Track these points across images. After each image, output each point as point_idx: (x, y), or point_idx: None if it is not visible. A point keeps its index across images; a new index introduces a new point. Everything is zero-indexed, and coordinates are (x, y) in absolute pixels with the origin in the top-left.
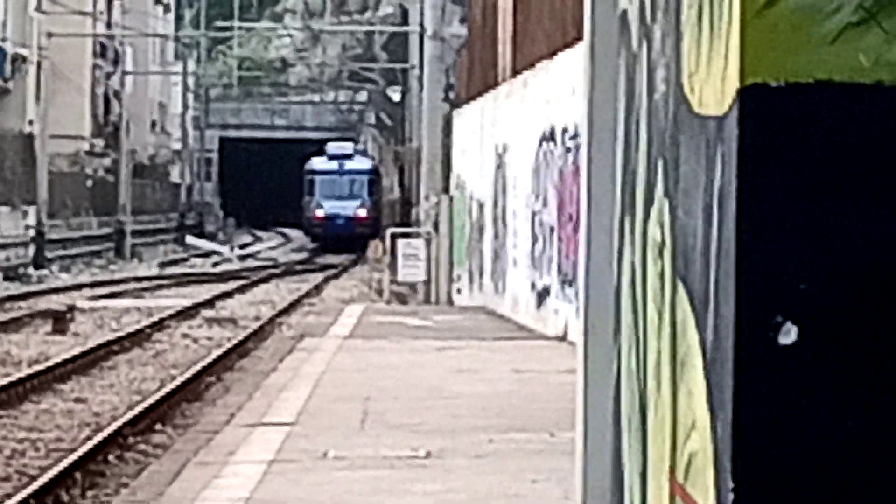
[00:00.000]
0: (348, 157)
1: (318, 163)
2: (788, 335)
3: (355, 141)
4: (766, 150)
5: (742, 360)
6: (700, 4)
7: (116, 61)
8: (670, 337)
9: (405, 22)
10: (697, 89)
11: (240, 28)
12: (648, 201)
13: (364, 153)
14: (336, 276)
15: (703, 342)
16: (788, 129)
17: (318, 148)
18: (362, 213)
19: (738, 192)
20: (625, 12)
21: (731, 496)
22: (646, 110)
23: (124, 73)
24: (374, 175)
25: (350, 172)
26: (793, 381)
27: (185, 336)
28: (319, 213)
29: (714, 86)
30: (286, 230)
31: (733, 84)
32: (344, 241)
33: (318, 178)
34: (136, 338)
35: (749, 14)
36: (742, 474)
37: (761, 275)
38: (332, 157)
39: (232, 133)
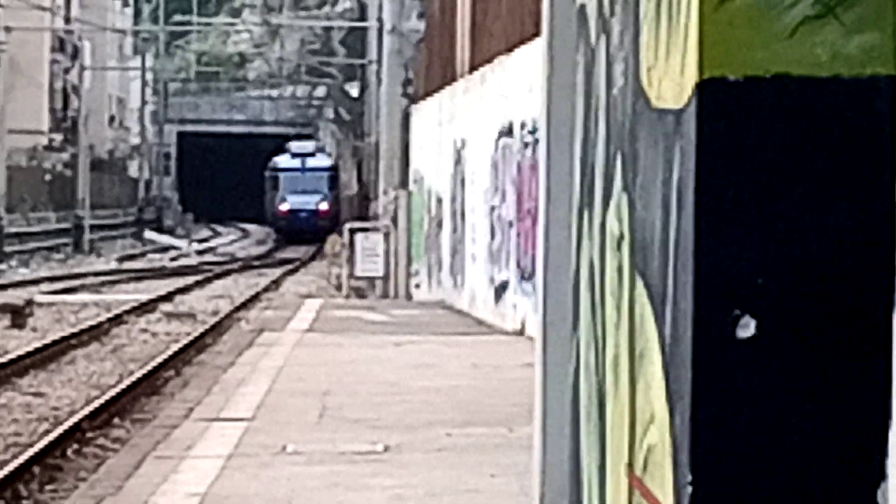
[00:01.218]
0: (310, 154)
1: (281, 160)
2: (746, 329)
3: (313, 137)
4: (724, 143)
5: (700, 353)
6: None
7: (75, 56)
8: (629, 331)
9: (363, 17)
10: (656, 83)
11: (198, 23)
12: (607, 195)
13: (323, 150)
14: (294, 271)
15: (661, 336)
16: (746, 122)
17: (278, 143)
18: (324, 206)
19: (697, 186)
20: (583, 6)
21: (689, 489)
22: (604, 104)
23: (83, 67)
24: (335, 171)
25: (312, 169)
26: (751, 375)
27: (143, 331)
28: (284, 207)
29: (672, 80)
30: (244, 225)
31: (691, 78)
32: (307, 234)
33: (281, 174)
34: (95, 332)
35: (707, 8)
36: (700, 467)
37: (719, 268)
38: (294, 155)
39: (190, 128)
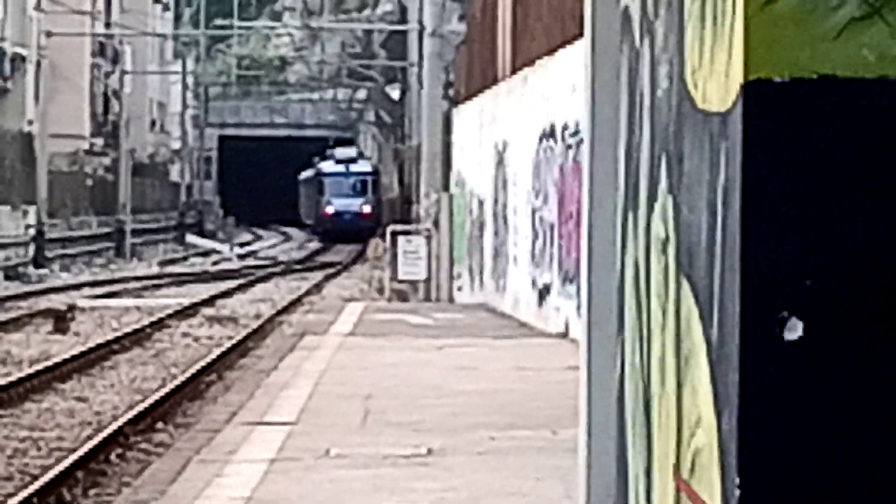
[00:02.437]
0: (353, 160)
1: (326, 166)
2: (794, 331)
3: (354, 140)
4: (770, 145)
5: (747, 355)
6: (703, 0)
7: (115, 60)
8: (675, 333)
9: (404, 19)
10: (701, 85)
11: (239, 26)
12: (652, 197)
13: (362, 156)
14: (336, 275)
15: (707, 338)
16: (792, 124)
17: (315, 148)
18: (367, 209)
19: (743, 188)
20: (626, 8)
21: (736, 492)
22: (648, 106)
23: (123, 72)
24: (376, 175)
25: (355, 174)
26: (798, 377)
27: (185, 335)
28: (329, 209)
29: (718, 81)
30: (286, 228)
31: (737, 80)
32: (351, 235)
33: (326, 179)
34: (137, 337)
35: (752, 9)
36: (748, 470)
37: (766, 271)
38: (338, 161)
39: (231, 131)
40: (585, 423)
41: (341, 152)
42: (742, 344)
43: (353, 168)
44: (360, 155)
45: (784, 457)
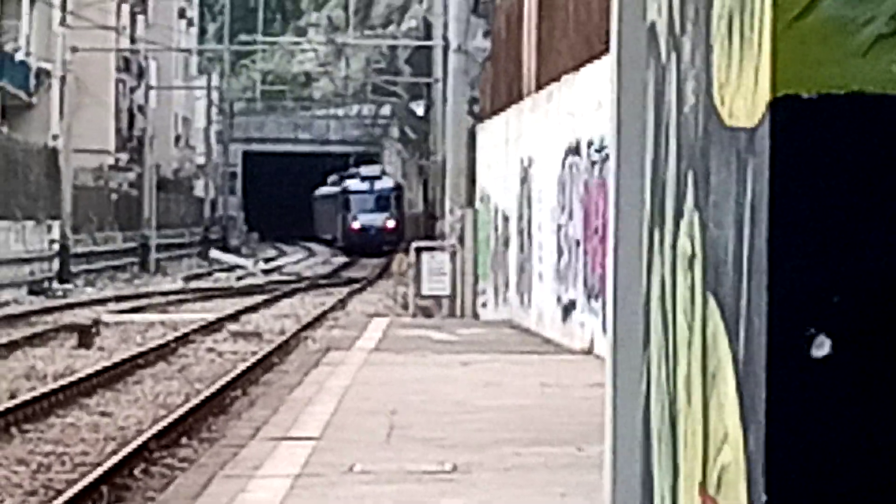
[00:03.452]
0: (377, 177)
1: (352, 183)
2: (821, 348)
3: (378, 156)
4: (797, 162)
5: (774, 372)
6: (730, 16)
7: (140, 75)
8: (701, 349)
9: (429, 35)
10: (728, 101)
11: (263, 42)
12: (678, 214)
13: (385, 173)
14: (361, 290)
15: (734, 355)
16: (820, 140)
17: (341, 164)
18: (391, 224)
19: (770, 205)
20: (653, 24)
21: None
22: (675, 122)
23: (148, 87)
24: (399, 191)
25: (379, 190)
26: (826, 394)
27: (210, 350)
28: (356, 224)
29: (745, 98)
30: (310, 244)
31: (764, 96)
32: (376, 248)
33: (352, 196)
34: (161, 352)
35: (780, 26)
36: (775, 487)
37: (794, 287)
38: (363, 179)
39: (256, 147)
40: (611, 439)
41: (366, 170)
42: (769, 361)
43: (378, 185)
44: (384, 172)
45: (811, 473)
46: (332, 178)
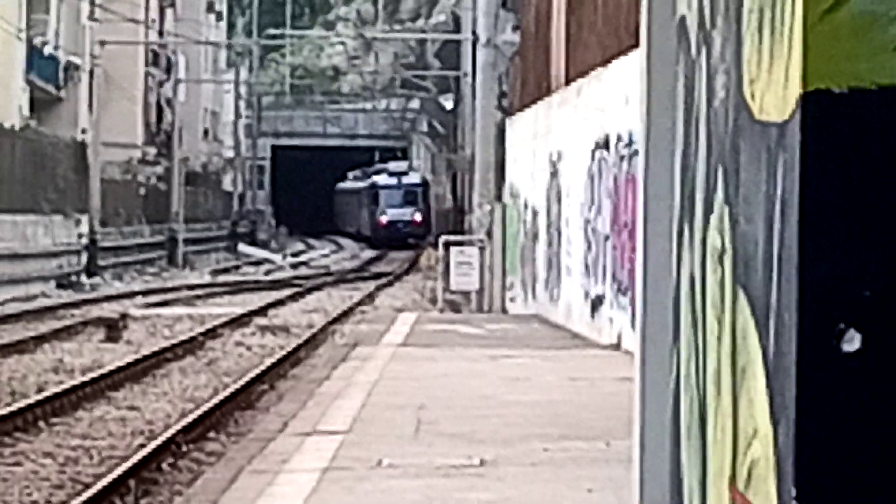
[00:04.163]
0: (404, 173)
1: (380, 179)
2: (852, 342)
3: (406, 150)
4: (828, 156)
5: (805, 367)
6: (761, 10)
7: (169, 69)
8: (731, 344)
9: (458, 29)
10: (758, 96)
11: (292, 36)
12: (708, 208)
13: (412, 168)
14: (389, 285)
15: (764, 350)
16: (851, 135)
17: (367, 157)
18: (418, 217)
19: (801, 199)
20: (683, 18)
21: (793, 503)
22: (705, 117)
23: (177, 81)
24: (425, 186)
25: (407, 185)
26: (856, 389)
27: (237, 344)
28: (384, 218)
29: (775, 92)
30: (338, 238)
31: (795, 90)
32: (403, 241)
33: (381, 191)
34: (189, 346)
35: (811, 20)
36: (804, 482)
37: (824, 282)
38: (391, 174)
39: (284, 141)
40: (639, 434)
41: (394, 166)
42: (799, 355)
43: (405, 180)
44: (410, 167)
45: (841, 468)
46: (354, 173)
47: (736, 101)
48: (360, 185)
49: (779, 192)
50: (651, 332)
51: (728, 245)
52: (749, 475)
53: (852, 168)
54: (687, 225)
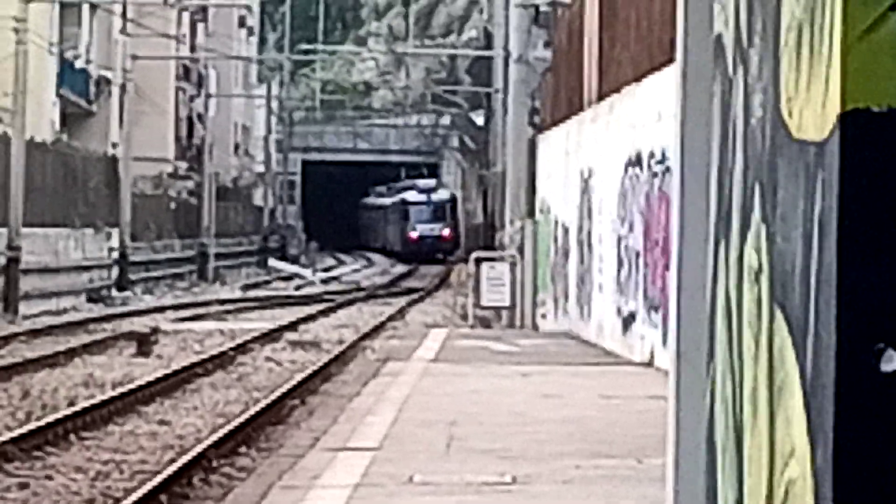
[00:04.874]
0: (433, 190)
1: (410, 195)
2: (891, 362)
3: (436, 166)
4: (867, 175)
5: (843, 387)
6: (800, 29)
7: (200, 84)
8: (767, 363)
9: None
10: (796, 114)
11: (323, 51)
12: (745, 227)
13: (441, 184)
14: (420, 300)
15: (802, 369)
16: (890, 154)
17: (394, 174)
18: (447, 232)
19: (839, 218)
20: (719, 36)
21: None
22: (742, 135)
23: (208, 95)
24: (454, 202)
25: (436, 202)
26: (894, 409)
27: (268, 359)
28: (414, 234)
29: (814, 111)
30: (369, 254)
31: (834, 109)
32: (432, 255)
33: (411, 207)
34: (220, 360)
35: (850, 39)
36: (842, 502)
37: (863, 301)
38: (421, 191)
39: (315, 156)
40: (674, 452)
41: (423, 183)
42: (837, 375)
43: (434, 197)
44: (439, 184)
45: (879, 488)
46: (377, 189)
47: (773, 119)
48: (390, 201)
49: (817, 210)
50: (686, 350)
51: (765, 263)
52: (786, 495)
53: (891, 187)
54: (723, 242)
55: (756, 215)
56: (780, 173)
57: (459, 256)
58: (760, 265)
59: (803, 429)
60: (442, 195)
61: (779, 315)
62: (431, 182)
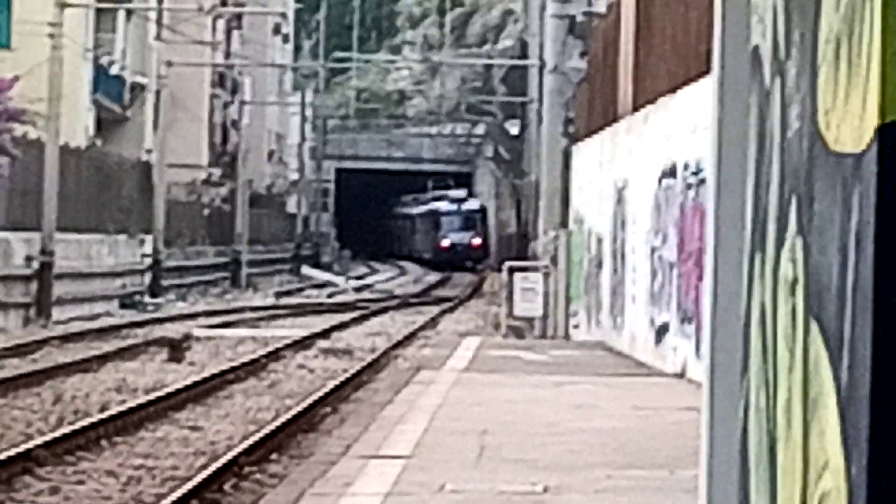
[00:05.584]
0: (463, 200)
1: (441, 205)
2: None
3: (471, 175)
4: None
5: (878, 399)
6: (838, 41)
7: (234, 91)
8: (802, 375)
9: (524, 55)
10: (833, 127)
11: (358, 59)
12: (780, 238)
13: (471, 195)
14: (452, 309)
15: (837, 381)
16: None
17: (422, 184)
18: (476, 241)
19: (876, 231)
20: (756, 48)
21: None
22: (778, 147)
23: (242, 102)
24: (483, 212)
25: (466, 212)
26: None
27: (300, 366)
28: (445, 242)
29: (851, 123)
30: (402, 262)
31: (872, 122)
32: (462, 263)
33: (442, 217)
34: (252, 367)
35: (889, 52)
36: None
37: None
38: (452, 201)
39: (349, 164)
40: (706, 464)
41: (454, 193)
42: (873, 388)
43: (464, 206)
44: (470, 194)
45: None
46: (405, 198)
47: (810, 131)
48: (421, 210)
49: (853, 223)
50: (719, 361)
51: (801, 276)
52: None
53: None
54: (758, 254)
55: (792, 227)
56: (817, 185)
57: (488, 265)
58: (796, 277)
59: (838, 441)
60: (472, 205)
61: (814, 327)
62: (462, 192)
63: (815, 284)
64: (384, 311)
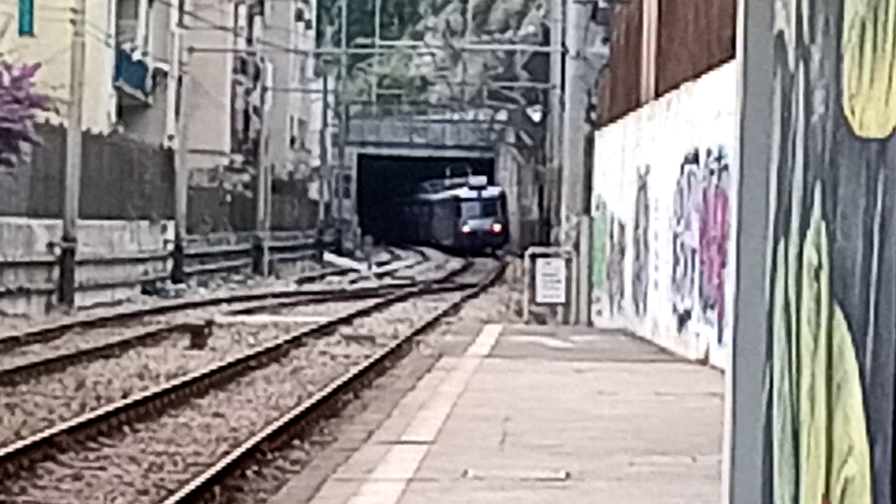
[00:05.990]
0: (484, 187)
1: (462, 192)
2: None
3: (493, 161)
4: None
5: None
6: (863, 26)
7: (257, 77)
8: (826, 361)
9: (547, 41)
10: (858, 111)
11: (380, 46)
12: (805, 224)
13: (492, 182)
14: (474, 296)
15: (861, 366)
16: None
17: (439, 171)
18: (497, 227)
19: None
20: (781, 33)
21: None
22: (803, 132)
23: (264, 88)
24: (503, 199)
25: (486, 198)
26: None
27: (322, 353)
28: (466, 228)
29: (877, 108)
30: (423, 248)
31: None
32: (482, 249)
33: (463, 203)
34: (274, 354)
35: None
36: None
37: None
38: (472, 188)
39: (371, 150)
40: (730, 450)
41: (474, 180)
42: None
43: (485, 193)
44: (490, 181)
45: None
46: (425, 185)
47: (835, 116)
48: (442, 196)
49: (878, 208)
50: (743, 347)
51: (825, 261)
52: (843, 493)
53: None
54: (782, 240)
55: (816, 212)
56: (842, 170)
57: (508, 250)
58: (820, 262)
59: (862, 427)
60: (492, 192)
61: (838, 313)
62: (482, 179)
63: (839, 270)
64: (406, 297)
